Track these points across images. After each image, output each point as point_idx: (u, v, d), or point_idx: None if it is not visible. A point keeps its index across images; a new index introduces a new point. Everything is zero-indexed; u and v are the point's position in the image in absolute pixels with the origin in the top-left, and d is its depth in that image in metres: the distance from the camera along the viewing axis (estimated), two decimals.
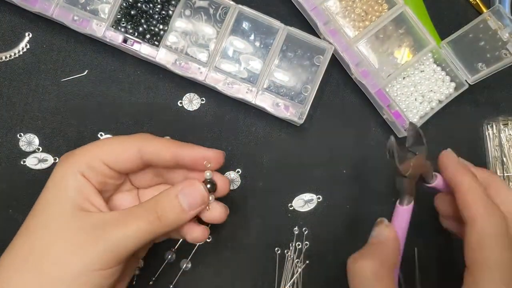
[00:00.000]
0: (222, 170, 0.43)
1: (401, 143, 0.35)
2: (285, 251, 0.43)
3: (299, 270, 0.43)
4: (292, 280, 0.42)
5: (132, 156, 0.33)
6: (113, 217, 0.31)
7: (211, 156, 0.34)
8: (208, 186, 0.34)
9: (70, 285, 0.29)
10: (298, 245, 0.43)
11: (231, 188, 0.43)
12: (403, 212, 0.35)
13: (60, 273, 0.29)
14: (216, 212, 0.35)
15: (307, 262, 0.43)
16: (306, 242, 0.44)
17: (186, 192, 0.33)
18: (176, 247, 0.41)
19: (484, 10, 0.48)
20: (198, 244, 0.42)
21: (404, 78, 0.44)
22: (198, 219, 0.36)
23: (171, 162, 0.34)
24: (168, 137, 0.43)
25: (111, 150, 0.33)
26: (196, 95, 0.44)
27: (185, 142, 0.35)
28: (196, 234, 0.35)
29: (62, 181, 0.32)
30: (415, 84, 0.44)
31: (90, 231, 0.30)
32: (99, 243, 0.30)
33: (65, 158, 0.33)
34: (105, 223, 0.30)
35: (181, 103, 0.44)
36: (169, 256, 0.41)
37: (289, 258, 0.43)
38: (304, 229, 0.44)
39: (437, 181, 0.36)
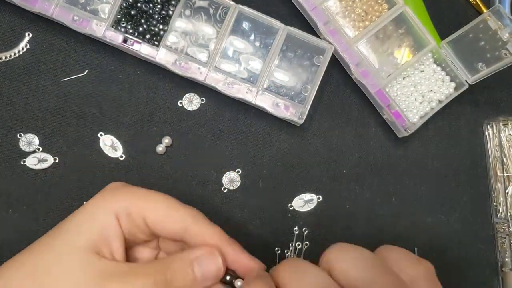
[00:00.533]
0: (221, 169, 0.44)
1: None
2: (285, 251, 0.43)
3: None
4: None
5: (176, 230, 0.31)
6: (120, 269, 0.29)
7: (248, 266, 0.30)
8: (227, 278, 0.30)
9: None
10: (298, 245, 0.43)
11: (231, 188, 0.43)
12: None
13: None
14: None
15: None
16: (306, 242, 0.44)
17: (203, 261, 0.29)
18: None
19: (484, 10, 0.48)
20: None
21: (404, 78, 0.44)
22: None
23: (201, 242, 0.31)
24: (168, 136, 0.43)
25: (157, 212, 0.31)
26: (196, 95, 0.44)
27: (230, 240, 0.31)
28: None
29: (93, 212, 0.30)
30: (415, 84, 0.44)
31: (93, 279, 0.28)
32: None
33: (109, 191, 0.31)
34: (111, 275, 0.28)
35: (181, 103, 0.44)
36: None
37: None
38: (304, 229, 0.44)
39: None
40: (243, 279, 0.30)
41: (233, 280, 0.30)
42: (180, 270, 0.29)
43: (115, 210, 0.30)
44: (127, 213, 0.30)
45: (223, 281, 0.30)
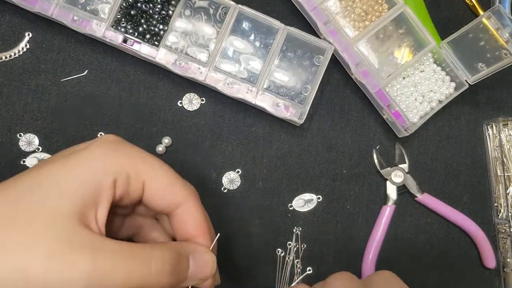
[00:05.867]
0: (221, 170, 0.44)
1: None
2: (284, 251, 0.43)
3: (299, 270, 0.43)
4: (297, 281, 0.42)
5: (171, 204, 0.28)
6: (111, 248, 0.24)
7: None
8: None
9: None
10: (298, 245, 0.43)
11: (231, 188, 0.43)
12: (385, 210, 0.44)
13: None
14: None
15: (309, 268, 0.43)
16: (306, 243, 0.43)
17: (198, 258, 0.28)
18: None
19: (481, 11, 0.48)
20: None
21: (404, 78, 0.44)
22: None
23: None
24: (168, 137, 0.43)
25: (160, 181, 0.27)
26: (196, 95, 0.44)
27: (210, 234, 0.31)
28: None
29: (88, 170, 0.25)
30: (415, 84, 0.44)
31: (78, 246, 0.23)
32: (86, 257, 0.23)
33: (109, 146, 0.26)
34: (99, 247, 0.24)
35: (181, 103, 0.44)
36: None
37: (288, 259, 0.43)
38: (304, 229, 0.44)
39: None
40: None
41: None
42: (181, 264, 0.27)
43: (116, 170, 0.25)
44: (127, 176, 0.26)
45: None
